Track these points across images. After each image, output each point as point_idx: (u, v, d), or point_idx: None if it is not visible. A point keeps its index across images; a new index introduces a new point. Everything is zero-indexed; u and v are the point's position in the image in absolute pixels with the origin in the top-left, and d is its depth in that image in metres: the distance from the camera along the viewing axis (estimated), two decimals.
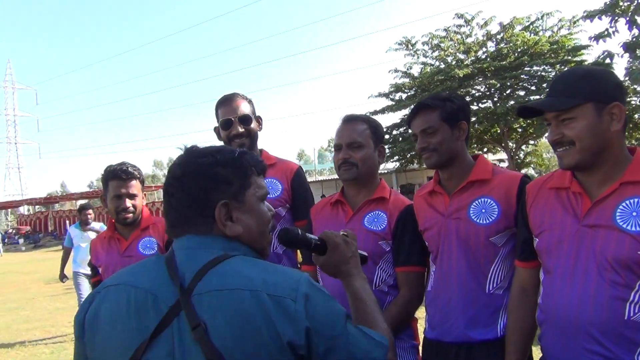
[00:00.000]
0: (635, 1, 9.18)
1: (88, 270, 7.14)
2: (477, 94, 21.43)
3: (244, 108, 2.64)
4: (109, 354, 1.17)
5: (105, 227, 7.48)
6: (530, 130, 20.53)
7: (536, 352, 1.84)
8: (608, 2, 9.34)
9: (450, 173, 2.16)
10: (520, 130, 21.32)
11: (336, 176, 2.35)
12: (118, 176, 2.64)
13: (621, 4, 9.29)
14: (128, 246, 2.70)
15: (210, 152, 1.29)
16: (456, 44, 21.31)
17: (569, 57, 19.30)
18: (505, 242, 2.04)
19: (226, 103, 2.65)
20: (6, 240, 40.47)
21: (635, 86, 14.66)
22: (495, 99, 20.61)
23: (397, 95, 22.50)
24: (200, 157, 1.28)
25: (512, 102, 19.30)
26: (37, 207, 50.43)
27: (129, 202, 2.65)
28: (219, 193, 1.24)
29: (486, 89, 20.68)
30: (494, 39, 20.98)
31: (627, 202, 1.57)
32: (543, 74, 19.80)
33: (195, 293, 1.13)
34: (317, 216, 2.44)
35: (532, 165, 27.06)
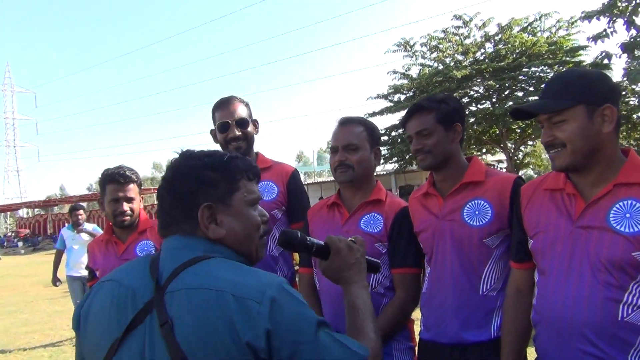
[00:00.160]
0: (634, 2, 9.20)
1: (80, 273, 7.13)
2: (475, 95, 21.47)
3: (241, 111, 2.64)
4: (94, 347, 1.23)
5: (98, 228, 7.45)
6: (529, 131, 20.56)
7: (531, 353, 1.84)
8: (606, 3, 9.35)
9: (444, 175, 2.17)
10: (518, 131, 21.35)
11: None
12: (115, 180, 2.65)
13: (619, 4, 9.30)
14: (125, 249, 2.70)
15: (199, 156, 1.32)
16: (454, 45, 21.33)
17: (567, 58, 19.32)
18: (498, 244, 2.05)
19: (223, 106, 2.65)
20: (5, 243, 40.45)
21: (634, 86, 14.67)
22: (494, 100, 20.64)
23: (396, 97, 22.52)
24: (189, 160, 1.31)
25: (510, 103, 19.31)
26: (36, 210, 50.38)
27: (126, 206, 2.66)
28: (204, 195, 1.27)
29: (484, 90, 20.69)
30: (492, 40, 21.01)
31: (621, 203, 1.58)
32: (541, 74, 19.82)
33: (168, 291, 1.16)
34: (313, 218, 2.45)
35: (530, 166, 27.07)
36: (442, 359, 2.09)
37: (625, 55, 9.87)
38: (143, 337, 1.15)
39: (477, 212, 2.06)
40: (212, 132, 2.72)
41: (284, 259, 2.65)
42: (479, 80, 20.31)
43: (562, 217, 1.69)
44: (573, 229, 1.64)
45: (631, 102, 17.44)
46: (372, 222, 2.24)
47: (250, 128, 2.65)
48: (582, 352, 1.58)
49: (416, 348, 2.25)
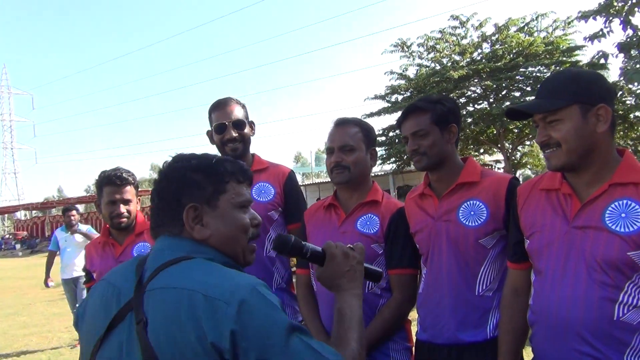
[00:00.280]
0: (630, 1, 9.21)
1: (73, 275, 7.11)
2: (472, 95, 21.46)
3: (238, 113, 2.65)
4: (86, 344, 1.28)
5: (92, 230, 7.42)
6: (526, 131, 20.57)
7: (528, 353, 1.85)
8: (602, 3, 9.36)
9: (439, 175, 2.17)
10: (516, 131, 21.35)
11: None
12: (112, 182, 2.64)
13: (615, 4, 9.30)
14: (122, 251, 2.70)
15: (188, 158, 1.34)
16: (451, 46, 21.32)
17: (564, 58, 19.33)
18: (494, 244, 2.06)
19: (220, 107, 2.65)
20: (3, 245, 40.37)
21: (630, 86, 14.69)
22: (491, 100, 20.63)
23: (393, 97, 22.50)
24: (177, 162, 1.34)
25: (507, 103, 19.30)
26: (33, 212, 50.29)
27: (123, 208, 2.65)
28: (190, 197, 1.28)
29: (482, 90, 20.69)
30: (489, 41, 21.00)
31: (616, 203, 1.59)
32: (538, 74, 19.83)
33: (147, 289, 1.18)
34: (310, 220, 2.45)
35: (528, 166, 27.08)
36: None
37: (621, 55, 9.87)
38: (123, 334, 1.18)
39: (472, 213, 2.06)
40: (209, 133, 2.72)
41: (280, 260, 2.65)
42: (476, 80, 20.30)
43: (558, 217, 1.69)
44: (569, 229, 1.65)
45: (628, 102, 17.46)
46: (368, 223, 2.25)
47: (246, 129, 2.66)
48: (578, 352, 1.58)
49: (413, 348, 2.25)
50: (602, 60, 10.03)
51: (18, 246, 38.38)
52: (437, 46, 21.50)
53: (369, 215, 2.26)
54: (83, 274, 7.19)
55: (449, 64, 21.09)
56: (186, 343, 1.08)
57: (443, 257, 2.10)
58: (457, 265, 2.07)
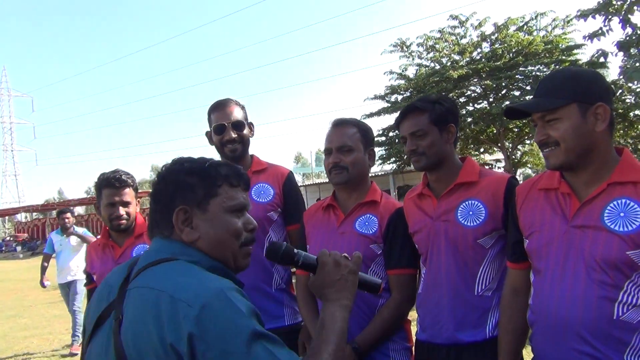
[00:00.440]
0: (629, 0, 9.20)
1: (67, 279, 7.10)
2: (472, 95, 21.44)
3: (237, 114, 2.65)
4: (84, 339, 1.34)
5: (88, 232, 7.41)
6: (527, 130, 20.55)
7: (527, 352, 1.85)
8: (601, 1, 9.34)
9: (438, 176, 2.17)
10: (516, 130, 21.33)
11: None
12: (111, 184, 2.64)
13: (614, 2, 9.29)
14: (122, 253, 2.70)
15: (182, 161, 1.36)
16: (451, 45, 21.30)
17: (564, 57, 19.31)
18: (493, 244, 2.05)
19: (219, 108, 2.66)
20: (4, 248, 40.37)
21: (630, 84, 14.67)
22: (491, 100, 20.61)
23: (393, 97, 22.49)
24: (173, 165, 1.36)
25: (507, 103, 19.26)
26: (34, 214, 50.35)
27: (122, 210, 2.65)
28: (182, 199, 1.30)
29: (481, 90, 20.67)
30: (489, 40, 20.98)
31: (615, 202, 1.58)
32: (538, 73, 19.79)
33: (128, 288, 1.21)
34: (309, 220, 2.45)
35: (528, 165, 27.05)
36: None
37: (621, 53, 9.86)
38: (105, 331, 1.22)
39: (471, 213, 2.06)
40: (208, 134, 2.72)
41: None
42: (475, 80, 20.29)
43: (557, 216, 1.69)
44: (568, 229, 1.65)
45: (628, 100, 17.44)
46: (367, 223, 2.24)
47: (245, 131, 2.66)
48: (577, 351, 1.58)
49: (413, 348, 2.25)
50: (602, 59, 10.03)
51: (19, 248, 38.41)
52: (437, 46, 21.49)
53: (368, 215, 2.26)
54: (78, 278, 7.21)
55: (449, 63, 21.08)
56: (149, 343, 1.09)
57: (442, 257, 2.09)
58: (456, 265, 2.07)
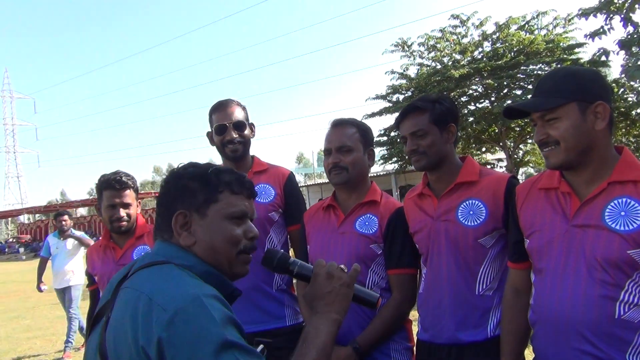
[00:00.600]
0: None
1: (62, 285, 7.08)
2: (474, 94, 21.41)
3: (239, 114, 2.65)
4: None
5: (85, 235, 7.39)
6: (528, 129, 20.52)
7: (530, 351, 1.84)
8: (603, 0, 9.34)
9: (438, 175, 2.17)
10: (518, 129, 21.29)
11: None
12: (112, 186, 2.65)
13: (616, 1, 9.27)
14: (123, 254, 2.71)
15: (187, 166, 1.37)
16: (452, 45, 21.28)
17: (565, 56, 19.28)
18: (493, 244, 2.05)
19: (221, 108, 2.66)
20: (6, 249, 40.47)
21: (632, 83, 14.66)
22: (492, 99, 20.59)
23: (394, 97, 22.48)
24: (178, 169, 1.37)
25: (509, 102, 19.23)
26: (37, 215, 50.48)
27: (122, 212, 2.65)
28: (182, 204, 1.30)
29: (483, 89, 20.65)
30: (490, 39, 20.95)
31: (616, 201, 1.58)
32: (539, 72, 19.75)
33: (121, 288, 1.22)
34: (310, 221, 2.45)
35: (530, 164, 27.00)
36: None
37: (622, 52, 9.85)
38: (99, 329, 1.23)
39: (471, 212, 2.06)
40: (209, 135, 2.72)
41: None
42: (477, 79, 20.27)
43: (558, 216, 1.68)
44: (568, 228, 1.64)
45: (629, 99, 17.40)
46: (367, 223, 2.24)
47: (247, 131, 2.66)
48: (579, 351, 1.57)
49: (414, 348, 2.25)
50: (603, 58, 10.02)
51: (22, 250, 38.54)
52: (438, 45, 21.47)
53: (368, 215, 2.26)
54: (73, 283, 7.18)
55: (450, 63, 21.05)
56: (125, 343, 1.10)
57: (442, 257, 2.09)
58: (456, 265, 2.06)
